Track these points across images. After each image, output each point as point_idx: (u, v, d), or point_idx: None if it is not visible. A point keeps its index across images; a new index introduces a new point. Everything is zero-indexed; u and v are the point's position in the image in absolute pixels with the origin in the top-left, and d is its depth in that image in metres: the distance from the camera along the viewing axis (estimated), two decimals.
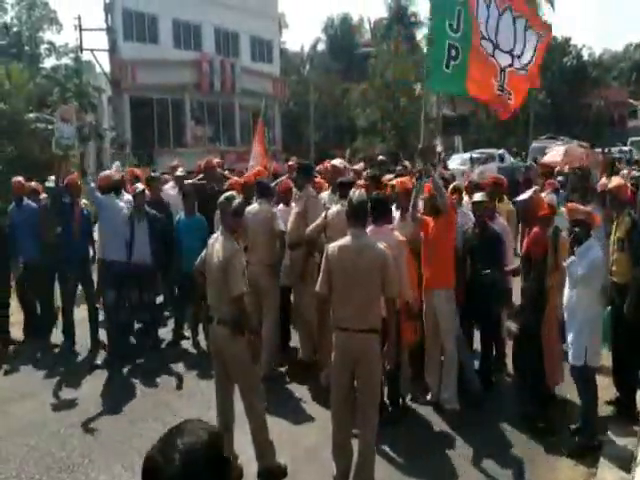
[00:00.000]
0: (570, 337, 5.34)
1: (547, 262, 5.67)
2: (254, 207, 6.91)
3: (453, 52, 5.96)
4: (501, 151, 24.40)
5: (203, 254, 5.07)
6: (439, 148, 21.85)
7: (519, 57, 6.16)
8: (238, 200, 5.07)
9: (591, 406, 5.33)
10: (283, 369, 7.17)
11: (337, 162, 8.50)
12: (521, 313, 6.04)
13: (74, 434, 5.82)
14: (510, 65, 6.12)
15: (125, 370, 7.40)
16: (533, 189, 6.60)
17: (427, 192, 6.23)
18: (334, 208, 6.43)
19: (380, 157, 13.58)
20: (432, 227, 6.10)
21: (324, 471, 4.88)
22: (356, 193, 4.76)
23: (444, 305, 6.08)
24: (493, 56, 6.09)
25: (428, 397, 6.27)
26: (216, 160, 10.84)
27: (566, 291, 5.38)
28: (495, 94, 6.20)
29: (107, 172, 9.33)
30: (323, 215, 6.48)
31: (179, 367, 7.45)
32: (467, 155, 22.05)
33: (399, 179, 7.64)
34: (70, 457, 5.40)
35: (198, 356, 7.70)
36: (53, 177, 8.56)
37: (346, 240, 4.59)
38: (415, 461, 5.21)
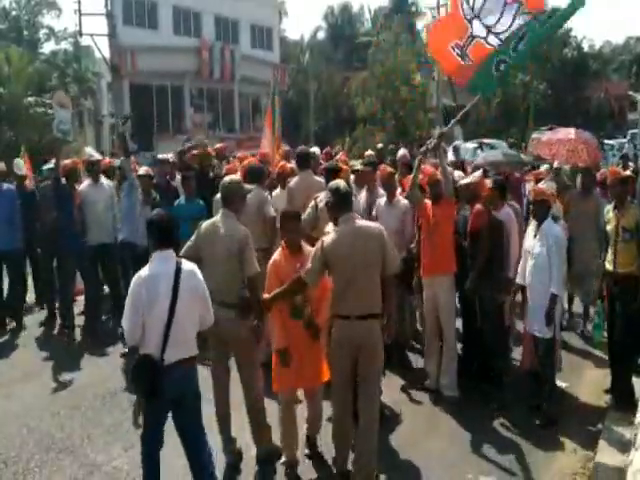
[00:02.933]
0: (529, 309, 5.79)
1: (491, 235, 6.03)
2: None
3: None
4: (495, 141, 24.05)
5: (192, 242, 4.94)
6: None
7: (496, 34, 6.11)
8: (246, 185, 5.12)
9: (549, 377, 5.73)
10: None
11: (314, 150, 8.69)
12: (473, 289, 6.06)
13: (74, 416, 5.85)
14: (484, 38, 6.09)
15: (122, 352, 7.40)
16: (478, 172, 6.74)
17: (428, 177, 6.21)
18: (323, 196, 6.37)
19: (379, 145, 13.55)
20: (433, 212, 6.10)
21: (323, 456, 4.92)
22: (341, 182, 4.75)
23: (445, 292, 6.08)
24: (470, 21, 6.12)
25: (427, 382, 6.30)
26: (218, 145, 10.81)
27: (527, 270, 5.79)
28: (450, 56, 6.21)
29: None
30: (313, 204, 6.27)
31: None
32: (470, 145, 21.96)
33: (382, 165, 7.69)
34: (70, 438, 5.43)
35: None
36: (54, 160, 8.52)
37: (340, 229, 4.47)
38: (412, 448, 5.22)
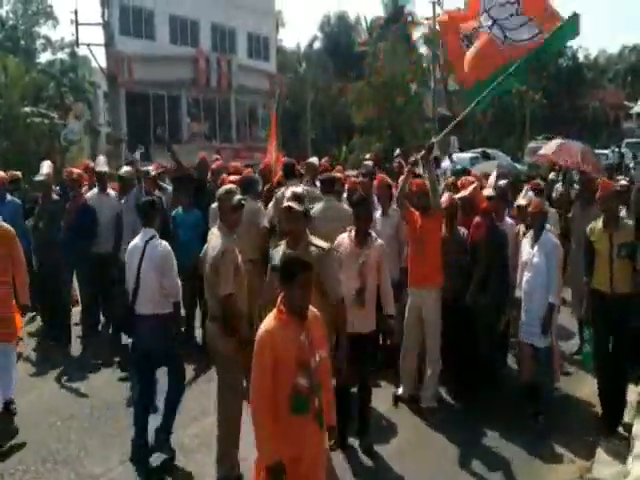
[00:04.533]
0: (526, 319, 5.75)
1: (491, 246, 6.11)
2: None
3: None
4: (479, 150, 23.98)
5: (205, 247, 5.00)
6: (435, 148, 21.94)
7: (502, 27, 6.25)
8: (239, 196, 4.93)
9: (547, 385, 5.75)
10: None
11: (313, 160, 8.69)
12: (474, 298, 6.07)
13: (71, 426, 5.82)
14: (488, 27, 6.29)
15: (120, 362, 7.37)
16: (475, 185, 6.70)
17: (416, 189, 6.15)
18: (318, 205, 6.36)
19: (367, 155, 13.63)
20: (420, 224, 6.05)
21: None
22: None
23: (431, 303, 6.02)
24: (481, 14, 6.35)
25: (399, 391, 6.22)
26: (215, 157, 10.84)
27: (524, 280, 5.77)
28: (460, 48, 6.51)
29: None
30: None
31: None
32: (465, 155, 22.13)
33: (379, 175, 7.71)
34: (66, 449, 5.40)
35: (194, 349, 7.69)
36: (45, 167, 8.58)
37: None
38: (406, 462, 5.18)
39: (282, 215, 4.29)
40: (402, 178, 6.24)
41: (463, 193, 6.48)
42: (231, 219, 4.82)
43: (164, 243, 5.19)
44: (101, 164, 8.96)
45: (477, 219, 6.20)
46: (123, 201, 7.93)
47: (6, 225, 6.12)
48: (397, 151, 12.32)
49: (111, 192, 8.36)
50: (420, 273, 6.04)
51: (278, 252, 4.59)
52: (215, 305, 4.72)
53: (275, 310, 3.44)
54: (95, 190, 8.39)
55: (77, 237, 7.87)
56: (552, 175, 10.20)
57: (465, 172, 8.69)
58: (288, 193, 4.46)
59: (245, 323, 4.78)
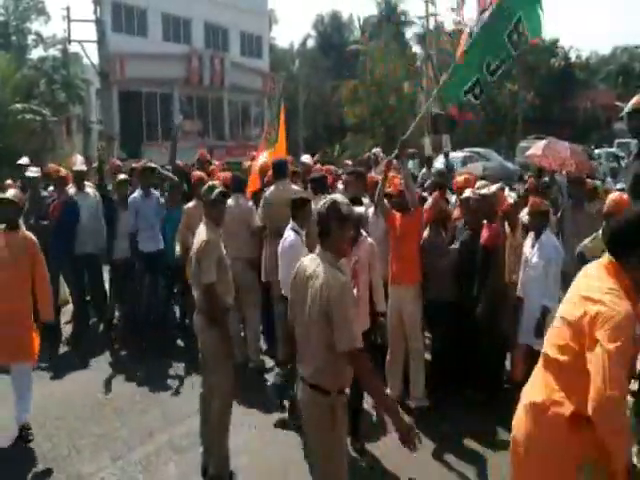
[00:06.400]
0: (523, 320, 5.69)
1: (506, 254, 5.96)
2: (230, 202, 6.88)
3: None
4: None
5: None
6: (428, 147, 21.93)
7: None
8: (218, 190, 4.92)
9: None
10: (269, 366, 7.15)
11: (305, 158, 8.56)
12: (484, 307, 6.01)
13: (60, 426, 5.79)
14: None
15: (110, 362, 7.39)
16: (499, 185, 6.60)
17: (394, 188, 6.17)
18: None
19: (366, 155, 13.64)
20: (399, 223, 6.05)
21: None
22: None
23: (411, 301, 6.01)
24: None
25: (388, 392, 6.15)
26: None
27: (522, 279, 5.72)
28: None
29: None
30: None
31: (166, 358, 7.42)
32: (458, 154, 22.18)
33: (369, 175, 7.70)
34: (56, 449, 5.37)
35: (185, 347, 7.70)
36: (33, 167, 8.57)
37: None
38: (397, 461, 5.13)
39: (344, 220, 3.48)
40: (379, 185, 6.18)
41: (485, 192, 6.16)
42: (212, 213, 4.88)
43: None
44: (79, 163, 8.96)
45: (495, 225, 6.02)
46: (137, 194, 7.93)
47: (30, 234, 5.73)
48: (376, 149, 12.26)
49: (89, 191, 8.33)
50: (398, 271, 6.02)
51: (338, 274, 3.42)
52: (200, 297, 4.76)
53: (621, 288, 2.68)
54: (72, 189, 8.38)
55: (62, 235, 7.85)
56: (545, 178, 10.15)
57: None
58: (340, 199, 3.56)
59: (228, 316, 4.85)
